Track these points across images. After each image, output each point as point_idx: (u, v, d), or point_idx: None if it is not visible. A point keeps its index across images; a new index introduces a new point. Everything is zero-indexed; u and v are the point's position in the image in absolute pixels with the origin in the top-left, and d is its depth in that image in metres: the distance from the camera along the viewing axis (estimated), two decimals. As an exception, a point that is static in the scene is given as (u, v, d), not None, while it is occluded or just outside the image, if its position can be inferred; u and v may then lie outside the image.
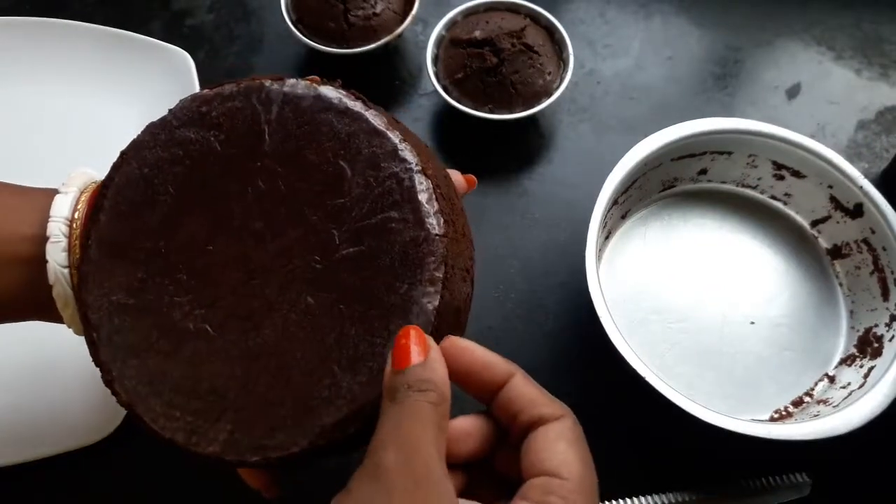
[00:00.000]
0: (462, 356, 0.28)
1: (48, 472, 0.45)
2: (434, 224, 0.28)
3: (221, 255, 0.29)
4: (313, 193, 0.29)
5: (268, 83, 0.30)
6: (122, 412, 0.44)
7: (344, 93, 0.30)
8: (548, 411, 0.27)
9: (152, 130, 0.30)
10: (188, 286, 0.29)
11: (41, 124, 0.57)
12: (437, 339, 0.28)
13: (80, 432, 0.45)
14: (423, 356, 0.26)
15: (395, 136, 0.29)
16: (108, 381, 0.29)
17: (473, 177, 0.39)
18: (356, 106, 0.30)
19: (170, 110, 0.31)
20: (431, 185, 0.29)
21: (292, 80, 0.30)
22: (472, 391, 0.28)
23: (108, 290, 0.29)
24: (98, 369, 0.30)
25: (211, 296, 0.29)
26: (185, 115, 0.30)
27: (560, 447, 0.26)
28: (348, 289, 0.28)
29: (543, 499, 0.24)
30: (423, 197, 0.28)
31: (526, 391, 0.27)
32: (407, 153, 0.29)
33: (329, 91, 0.30)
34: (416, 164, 0.29)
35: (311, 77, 0.37)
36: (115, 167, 0.31)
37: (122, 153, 0.31)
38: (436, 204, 0.29)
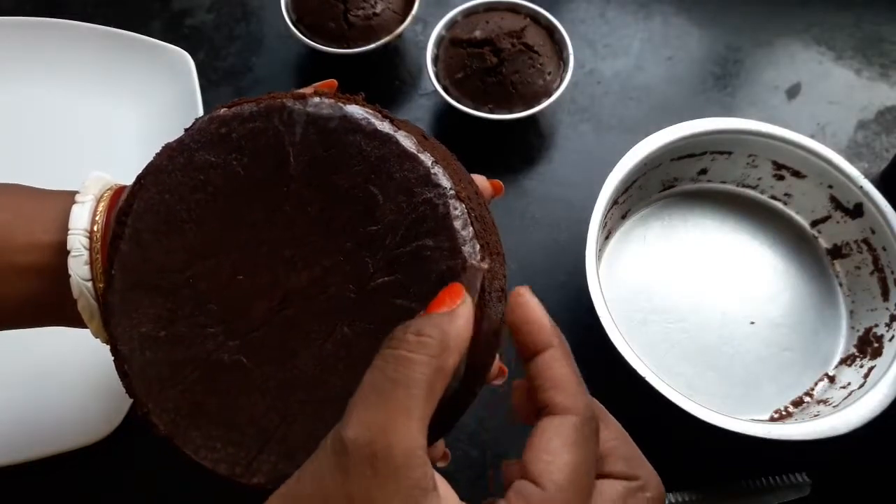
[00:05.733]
0: (518, 307, 0.26)
1: (48, 472, 0.45)
2: (470, 252, 0.27)
3: (252, 284, 0.28)
4: (344, 220, 0.28)
5: (290, 102, 0.29)
6: (122, 412, 0.44)
7: (371, 111, 0.29)
8: (558, 399, 0.25)
9: (169, 154, 0.29)
10: (219, 317, 0.28)
11: (41, 124, 0.57)
12: (473, 373, 0.27)
13: (80, 432, 0.44)
14: (452, 307, 0.24)
15: (427, 159, 0.28)
16: (144, 414, 0.29)
17: (500, 182, 0.37)
18: (384, 127, 0.28)
19: (186, 130, 0.29)
20: (466, 210, 0.28)
21: (316, 99, 0.29)
22: (516, 347, 0.27)
23: (137, 321, 0.29)
24: (112, 374, 0.29)
25: (244, 327, 0.28)
26: (203, 138, 0.29)
27: (553, 448, 0.23)
28: (385, 319, 0.27)
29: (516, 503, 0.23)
30: (458, 224, 0.27)
31: (552, 369, 0.25)
32: (440, 177, 0.28)
33: (356, 110, 0.29)
34: (451, 189, 0.28)
35: (328, 81, 0.37)
36: (133, 193, 0.29)
37: (139, 178, 0.29)
38: (471, 229, 0.28)
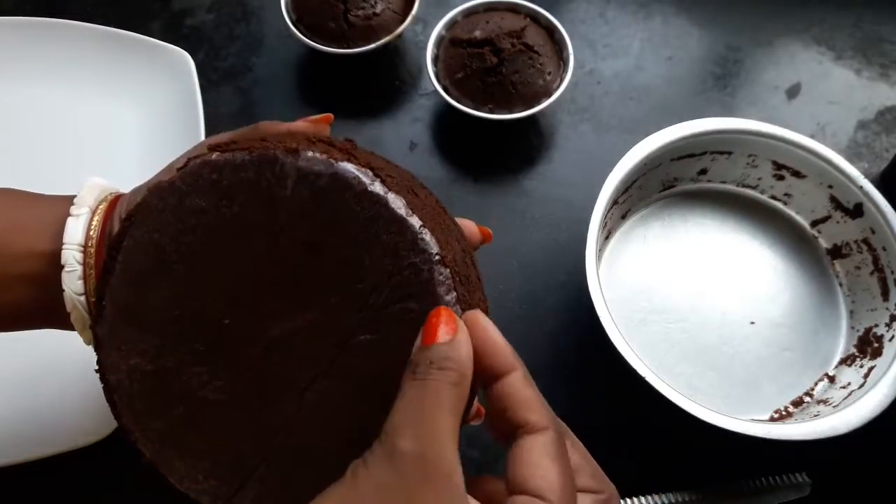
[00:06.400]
0: (476, 332, 0.28)
1: (48, 472, 0.45)
2: None
3: (237, 329, 0.29)
4: (329, 276, 0.29)
5: (282, 155, 0.29)
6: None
7: (362, 169, 0.29)
8: (534, 419, 0.27)
9: (160, 193, 0.29)
10: (205, 357, 0.29)
11: (41, 124, 0.57)
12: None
13: (80, 432, 0.45)
14: (451, 335, 0.26)
15: (415, 223, 0.29)
16: (132, 441, 0.30)
17: (489, 230, 0.38)
18: (375, 187, 0.29)
19: (177, 170, 0.30)
20: (450, 274, 0.29)
21: (308, 154, 0.29)
22: (477, 371, 0.28)
23: (126, 353, 0.29)
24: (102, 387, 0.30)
25: (228, 369, 0.29)
26: (194, 182, 0.29)
27: (544, 464, 0.26)
28: (366, 376, 0.28)
29: None
30: (441, 290, 0.28)
31: (520, 391, 0.27)
32: (427, 242, 0.29)
33: (347, 169, 0.29)
34: (436, 254, 0.29)
35: (323, 116, 0.37)
36: (124, 229, 0.30)
37: (130, 214, 0.30)
38: (454, 294, 0.28)
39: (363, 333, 0.29)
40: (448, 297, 0.28)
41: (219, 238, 0.29)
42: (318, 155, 0.29)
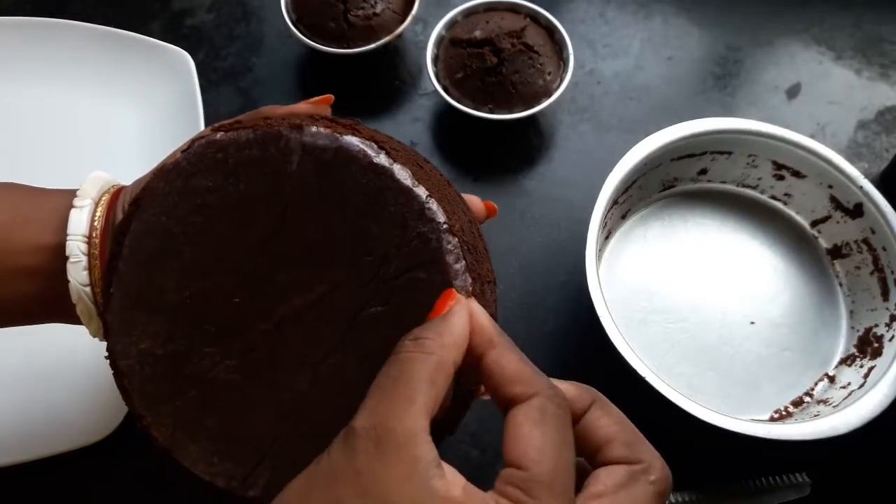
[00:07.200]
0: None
1: (48, 472, 0.45)
2: (462, 285, 0.28)
3: (248, 307, 0.29)
4: (338, 249, 0.29)
5: (286, 131, 0.29)
6: (123, 412, 0.44)
7: (367, 142, 0.29)
8: (518, 390, 0.25)
9: (166, 176, 0.29)
10: (216, 337, 0.29)
11: (41, 124, 0.57)
12: (466, 387, 0.28)
13: (80, 432, 0.45)
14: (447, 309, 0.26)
15: (421, 193, 0.29)
16: (143, 427, 0.29)
17: (493, 204, 0.38)
18: (381, 159, 0.29)
19: (182, 152, 0.30)
20: (458, 243, 0.29)
21: (312, 129, 0.29)
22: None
23: (136, 338, 0.29)
24: (112, 373, 0.30)
25: (239, 348, 0.29)
26: (200, 162, 0.29)
27: (523, 432, 0.24)
28: (377, 346, 0.28)
29: (503, 489, 0.24)
30: (450, 258, 0.28)
31: (503, 367, 0.26)
32: (434, 211, 0.28)
33: (352, 142, 0.29)
34: (444, 223, 0.28)
35: (325, 97, 0.37)
36: (130, 214, 0.30)
37: (136, 199, 0.30)
38: (463, 263, 0.28)
39: (374, 305, 0.28)
40: (457, 266, 0.28)
41: (226, 217, 0.29)
42: (322, 130, 0.29)
